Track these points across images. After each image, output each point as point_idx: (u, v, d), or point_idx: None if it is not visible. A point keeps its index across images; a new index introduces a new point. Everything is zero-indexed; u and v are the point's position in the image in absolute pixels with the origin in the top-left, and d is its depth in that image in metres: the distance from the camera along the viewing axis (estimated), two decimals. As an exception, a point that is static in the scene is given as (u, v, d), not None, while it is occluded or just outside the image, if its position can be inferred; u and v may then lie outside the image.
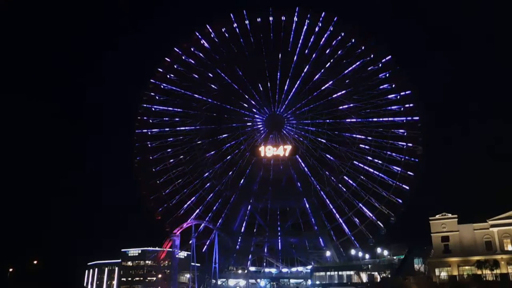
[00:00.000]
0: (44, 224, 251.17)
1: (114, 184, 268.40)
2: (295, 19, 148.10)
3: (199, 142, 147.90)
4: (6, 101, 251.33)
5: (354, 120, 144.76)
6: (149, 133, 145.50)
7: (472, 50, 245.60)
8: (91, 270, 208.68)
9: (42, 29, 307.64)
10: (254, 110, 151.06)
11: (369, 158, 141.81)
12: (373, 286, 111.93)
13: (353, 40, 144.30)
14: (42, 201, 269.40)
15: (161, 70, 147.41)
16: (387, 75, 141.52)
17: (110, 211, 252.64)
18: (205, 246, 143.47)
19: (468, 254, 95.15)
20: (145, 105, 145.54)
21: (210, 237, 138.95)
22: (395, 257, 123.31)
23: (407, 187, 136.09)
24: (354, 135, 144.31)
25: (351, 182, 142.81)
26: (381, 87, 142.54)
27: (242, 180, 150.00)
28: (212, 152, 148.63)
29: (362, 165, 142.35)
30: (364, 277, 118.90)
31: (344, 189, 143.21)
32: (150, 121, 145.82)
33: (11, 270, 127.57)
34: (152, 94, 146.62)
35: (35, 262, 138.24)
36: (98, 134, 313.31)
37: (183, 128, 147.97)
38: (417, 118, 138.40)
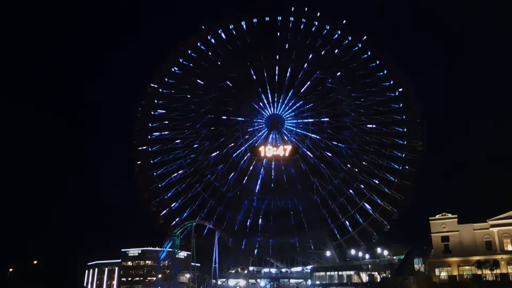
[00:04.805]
0: (44, 224, 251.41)
1: (115, 184, 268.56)
2: (291, 18, 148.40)
3: (199, 144, 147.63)
4: (6, 101, 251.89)
5: (354, 117, 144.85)
6: (149, 137, 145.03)
7: (473, 49, 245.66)
8: (91, 270, 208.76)
9: (42, 29, 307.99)
10: (254, 111, 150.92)
11: (370, 155, 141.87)
12: (373, 286, 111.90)
13: (349, 38, 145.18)
14: (42, 201, 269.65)
15: (159, 74, 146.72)
16: (386, 72, 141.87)
17: (110, 211, 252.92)
18: (205, 246, 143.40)
19: (468, 254, 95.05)
20: (144, 109, 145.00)
21: (211, 237, 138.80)
22: (395, 257, 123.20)
23: (409, 183, 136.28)
24: (355, 133, 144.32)
25: (352, 180, 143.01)
26: (380, 84, 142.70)
27: (243, 181, 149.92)
28: (213, 154, 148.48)
29: (363, 163, 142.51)
30: (364, 277, 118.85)
31: (346, 187, 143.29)
32: (150, 125, 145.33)
33: (11, 270, 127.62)
34: (151, 97, 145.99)
35: (35, 262, 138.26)
36: (98, 134, 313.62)
37: (183, 131, 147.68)
38: (417, 114, 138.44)
